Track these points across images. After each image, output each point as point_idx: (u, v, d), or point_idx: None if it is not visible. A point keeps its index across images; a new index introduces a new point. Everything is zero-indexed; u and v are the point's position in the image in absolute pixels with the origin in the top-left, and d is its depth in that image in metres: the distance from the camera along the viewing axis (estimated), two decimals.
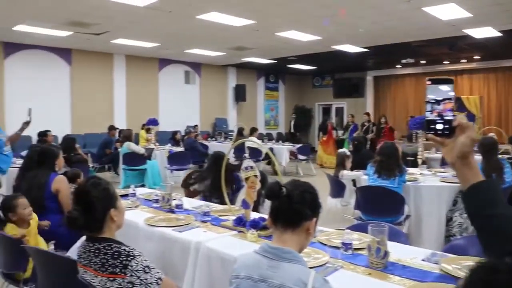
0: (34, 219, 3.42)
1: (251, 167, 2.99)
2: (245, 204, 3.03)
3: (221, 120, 17.89)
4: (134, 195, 4.09)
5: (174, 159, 9.67)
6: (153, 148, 10.12)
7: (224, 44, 13.23)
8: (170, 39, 12.37)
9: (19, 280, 3.14)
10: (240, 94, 18.43)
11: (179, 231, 2.94)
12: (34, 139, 10.22)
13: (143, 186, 9.65)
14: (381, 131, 13.08)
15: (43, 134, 8.66)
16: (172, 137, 12.21)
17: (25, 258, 2.96)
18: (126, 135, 9.49)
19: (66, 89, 13.67)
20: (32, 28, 10.58)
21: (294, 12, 9.25)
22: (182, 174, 10.46)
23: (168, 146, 10.92)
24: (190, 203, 3.83)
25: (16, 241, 3.01)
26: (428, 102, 1.25)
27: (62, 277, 2.44)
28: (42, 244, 3.38)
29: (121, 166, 9.54)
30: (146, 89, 15.54)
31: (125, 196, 4.14)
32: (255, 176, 2.96)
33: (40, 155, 3.91)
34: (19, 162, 6.03)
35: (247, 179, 2.98)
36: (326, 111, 21.95)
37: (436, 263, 2.30)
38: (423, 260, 2.40)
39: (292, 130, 17.23)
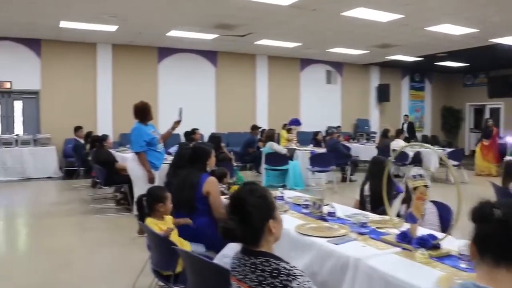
0: (169, 217, 3.42)
1: (420, 176, 2.57)
2: (411, 218, 2.61)
3: (363, 121, 17.24)
4: (282, 198, 3.89)
5: (316, 160, 9.42)
6: (295, 149, 9.99)
7: (368, 42, 12.66)
8: (313, 38, 12.17)
9: (168, 276, 3.12)
10: (383, 94, 17.58)
11: (335, 243, 2.63)
12: (182, 137, 10.77)
13: (283, 186, 9.60)
14: None
15: (191, 133, 9.03)
16: (314, 138, 11.99)
17: (175, 258, 2.92)
18: (269, 135, 9.49)
19: (211, 90, 14.28)
20: (182, 33, 11.18)
21: (450, 3, 8.41)
22: (324, 176, 10.22)
23: (310, 147, 10.71)
24: (343, 211, 3.50)
25: (166, 240, 2.98)
26: None
27: (213, 286, 2.30)
28: (185, 245, 3.33)
29: (263, 165, 9.58)
30: (287, 89, 15.60)
31: None
32: (425, 186, 2.54)
33: (193, 153, 3.89)
34: (169, 158, 6.29)
35: (415, 189, 2.57)
36: (478, 112, 20.01)
37: None
38: None
39: (406, 135, 15.80)
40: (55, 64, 12.13)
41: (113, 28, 10.57)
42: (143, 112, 5.64)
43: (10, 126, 12.13)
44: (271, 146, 9.30)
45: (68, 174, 11.38)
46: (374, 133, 16.52)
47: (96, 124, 12.40)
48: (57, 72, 12.16)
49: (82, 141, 9.93)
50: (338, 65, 16.76)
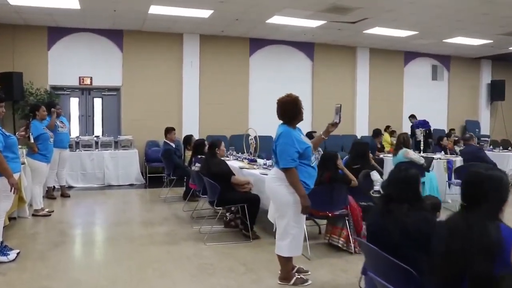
0: None
1: None
2: None
3: (473, 123, 14.94)
4: None
5: (460, 173, 7.50)
6: (432, 157, 8.07)
7: (496, 29, 10.50)
8: (434, 25, 10.18)
9: None
10: (497, 91, 15.15)
11: None
12: None
13: None
14: None
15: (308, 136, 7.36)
16: (437, 143, 9.97)
17: None
18: (404, 141, 7.60)
19: (307, 86, 12.60)
20: (286, 19, 9.55)
21: None
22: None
23: (442, 155, 8.72)
24: None
25: None
26: None
27: None
28: None
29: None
30: (390, 86, 13.63)
31: None
32: None
33: (477, 185, 2.12)
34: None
35: None
36: None
37: None
38: None
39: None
40: (138, 57, 10.88)
41: (206, 13, 9.11)
42: (294, 110, 3.94)
43: (90, 127, 10.99)
44: (406, 154, 7.41)
45: (152, 181, 10.07)
46: (487, 136, 14.21)
47: (181, 124, 11.03)
48: (140, 66, 10.91)
49: (173, 145, 8.51)
50: (445, 59, 14.58)
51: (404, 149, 7.56)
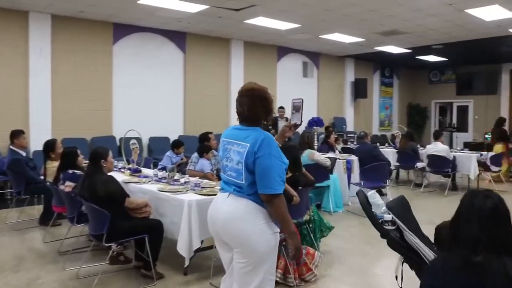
0: None
1: None
2: None
3: (340, 120, 15.10)
4: None
5: (367, 174, 6.99)
6: (336, 158, 7.37)
7: (375, 27, 10.48)
8: (320, 18, 9.67)
9: None
10: (360, 89, 15.63)
11: None
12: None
13: (318, 207, 6.98)
14: None
15: (204, 138, 6.23)
16: (325, 141, 9.41)
17: None
18: (308, 141, 6.80)
19: (179, 81, 11.27)
20: (162, 0, 8.13)
21: None
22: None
23: (336, 154, 8.15)
24: None
25: None
26: None
27: None
28: None
29: None
30: (263, 81, 12.49)
31: None
32: None
33: None
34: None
35: None
36: (443, 110, 18.90)
37: None
38: None
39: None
40: None
41: None
42: (271, 107, 2.74)
43: None
44: (312, 155, 6.63)
45: None
46: (353, 133, 14.44)
47: (28, 124, 8.81)
48: None
49: (23, 153, 6.54)
50: (315, 56, 14.46)
51: (309, 150, 6.79)
